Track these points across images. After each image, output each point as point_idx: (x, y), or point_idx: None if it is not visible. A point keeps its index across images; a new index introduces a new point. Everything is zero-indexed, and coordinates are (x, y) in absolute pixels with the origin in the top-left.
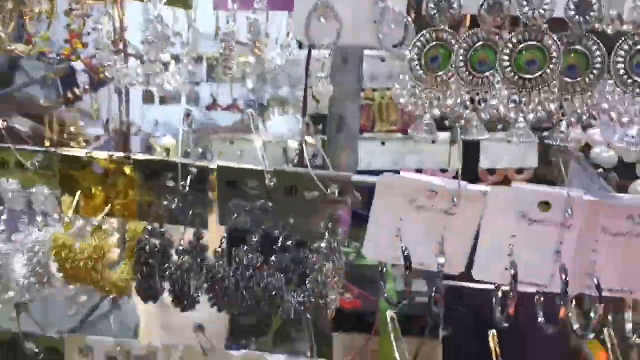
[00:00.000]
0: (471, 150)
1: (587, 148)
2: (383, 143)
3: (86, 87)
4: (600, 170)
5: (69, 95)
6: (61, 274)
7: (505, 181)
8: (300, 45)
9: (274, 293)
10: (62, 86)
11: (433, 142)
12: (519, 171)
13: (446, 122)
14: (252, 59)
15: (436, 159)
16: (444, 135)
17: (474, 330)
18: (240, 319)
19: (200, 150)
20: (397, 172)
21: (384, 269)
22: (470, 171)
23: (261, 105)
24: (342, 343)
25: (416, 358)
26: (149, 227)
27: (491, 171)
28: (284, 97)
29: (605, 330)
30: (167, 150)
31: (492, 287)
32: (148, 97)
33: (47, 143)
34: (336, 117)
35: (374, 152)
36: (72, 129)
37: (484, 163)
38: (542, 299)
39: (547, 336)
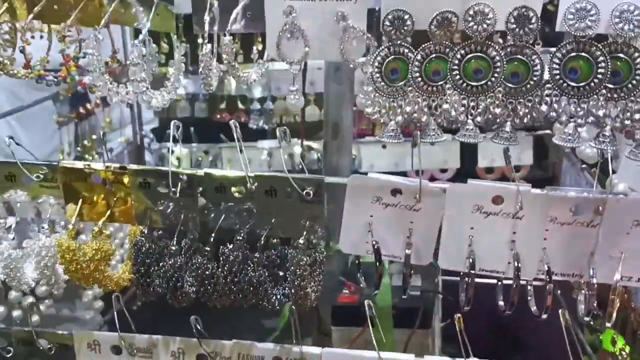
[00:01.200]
0: (469, 151)
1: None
2: (384, 147)
3: (97, 101)
4: (584, 166)
5: (82, 110)
6: (67, 276)
7: (504, 179)
8: None
9: (258, 287)
10: (74, 102)
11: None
12: (516, 169)
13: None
14: (254, 75)
15: (435, 160)
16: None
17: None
18: None
19: (210, 158)
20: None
21: (358, 261)
22: (469, 170)
23: (266, 112)
24: (341, 336)
25: (407, 346)
26: (145, 231)
27: (489, 170)
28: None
29: (560, 311)
30: (179, 160)
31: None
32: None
33: (60, 157)
34: (331, 124)
35: (376, 155)
36: (85, 142)
37: (481, 162)
38: (500, 284)
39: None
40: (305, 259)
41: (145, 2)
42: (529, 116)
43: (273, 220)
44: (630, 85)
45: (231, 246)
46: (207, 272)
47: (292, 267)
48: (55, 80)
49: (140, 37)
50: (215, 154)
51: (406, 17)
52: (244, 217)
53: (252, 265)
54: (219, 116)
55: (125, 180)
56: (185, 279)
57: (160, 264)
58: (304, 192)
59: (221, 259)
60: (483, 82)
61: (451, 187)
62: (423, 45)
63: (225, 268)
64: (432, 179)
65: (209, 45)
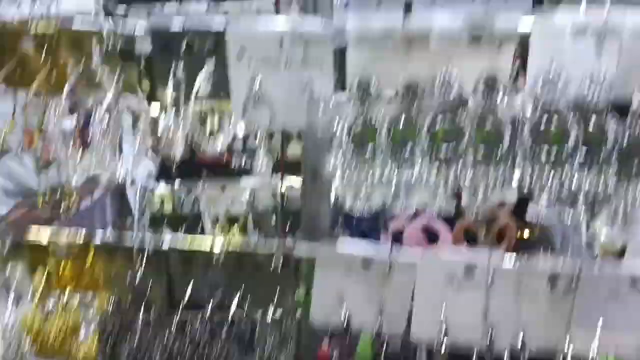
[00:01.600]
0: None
1: None
2: None
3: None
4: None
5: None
6: (34, 350)
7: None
8: None
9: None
10: None
11: None
12: (501, 204)
13: None
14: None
15: (421, 199)
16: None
17: None
18: None
19: (193, 197)
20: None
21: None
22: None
23: (250, 151)
24: None
25: None
26: (111, 303)
27: None
28: (273, 144)
29: None
30: (162, 200)
31: None
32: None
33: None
34: (310, 168)
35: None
36: (64, 188)
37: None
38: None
39: None
40: (274, 333)
41: (113, 62)
42: (501, 185)
43: (241, 291)
44: (603, 155)
45: (199, 319)
46: (175, 347)
47: (262, 339)
48: (21, 150)
49: (104, 106)
50: (197, 193)
51: (372, 83)
52: (213, 288)
53: (220, 339)
54: (200, 155)
55: (91, 251)
56: (152, 353)
57: (127, 339)
58: (273, 265)
59: (188, 332)
60: (453, 149)
61: (422, 260)
62: (392, 114)
63: (193, 342)
64: (418, 213)
65: (172, 116)
